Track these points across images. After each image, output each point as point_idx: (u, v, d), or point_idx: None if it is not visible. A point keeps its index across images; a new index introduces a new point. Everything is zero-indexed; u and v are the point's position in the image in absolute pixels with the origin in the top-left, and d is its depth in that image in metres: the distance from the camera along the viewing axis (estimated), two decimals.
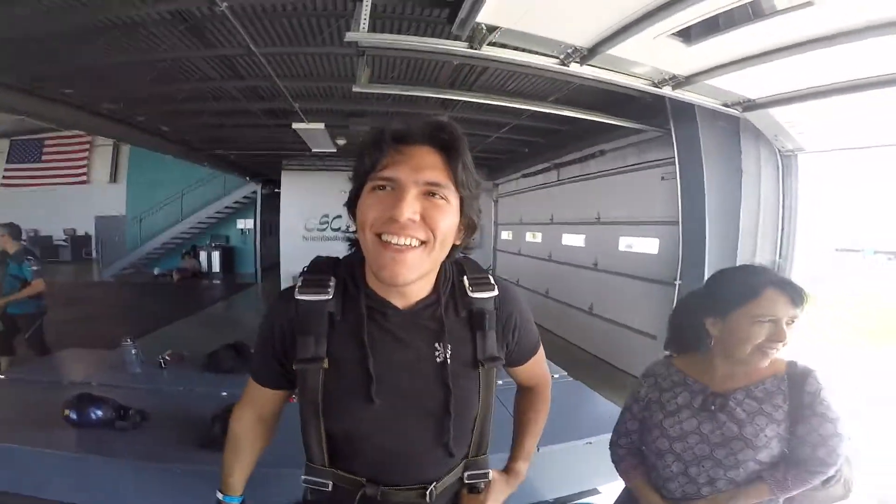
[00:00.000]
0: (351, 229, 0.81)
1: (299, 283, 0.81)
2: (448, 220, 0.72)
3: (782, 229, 3.78)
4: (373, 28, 2.68)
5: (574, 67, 2.84)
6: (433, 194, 0.71)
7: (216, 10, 2.96)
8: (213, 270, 13.18)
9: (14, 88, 4.39)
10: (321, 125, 5.70)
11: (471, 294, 0.84)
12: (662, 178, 4.74)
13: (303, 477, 0.83)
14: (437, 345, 0.80)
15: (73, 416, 1.77)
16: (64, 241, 15.75)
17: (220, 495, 0.91)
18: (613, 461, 1.25)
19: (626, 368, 4.91)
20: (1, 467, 1.65)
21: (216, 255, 13.28)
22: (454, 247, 0.79)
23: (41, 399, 2.02)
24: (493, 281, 0.87)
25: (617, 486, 1.30)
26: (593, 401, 2.36)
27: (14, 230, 3.69)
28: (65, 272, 13.03)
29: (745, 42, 2.47)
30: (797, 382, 1.01)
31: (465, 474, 0.88)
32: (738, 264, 1.18)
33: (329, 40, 3.72)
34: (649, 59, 2.82)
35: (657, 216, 4.82)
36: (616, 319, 5.48)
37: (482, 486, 0.91)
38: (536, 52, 2.76)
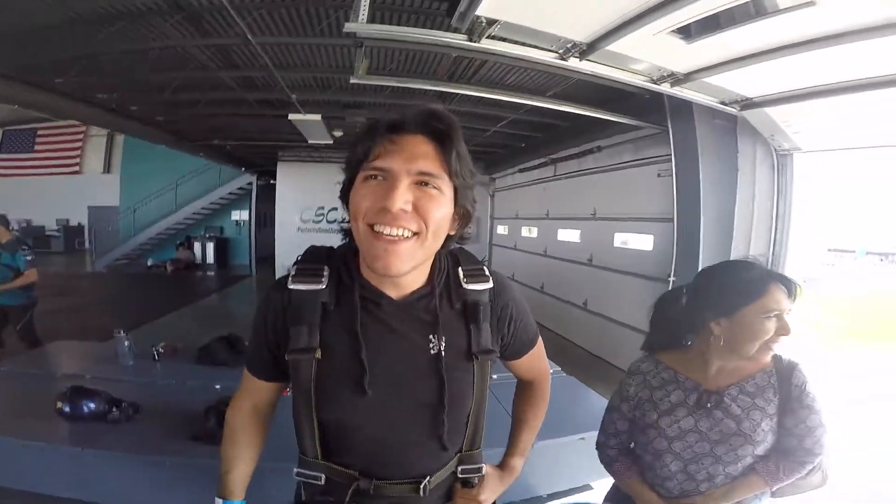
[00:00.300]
0: (346, 220, 0.80)
1: (292, 273, 0.80)
2: (441, 210, 0.71)
3: (776, 228, 3.80)
4: (372, 19, 2.65)
5: (573, 62, 2.82)
6: (426, 184, 0.70)
7: None
8: (208, 262, 13.05)
9: (5, 77, 4.33)
10: (318, 116, 5.65)
11: (465, 285, 0.83)
12: (658, 175, 4.75)
13: (295, 470, 0.83)
14: (431, 336, 0.79)
15: (66, 408, 1.76)
16: (56, 231, 15.61)
17: (219, 501, 0.86)
18: (604, 462, 1.23)
19: (620, 365, 4.92)
20: None
21: (210, 247, 13.13)
22: (449, 237, 0.78)
23: (33, 391, 2.01)
24: (487, 272, 0.86)
25: (609, 481, 1.29)
26: (587, 397, 2.37)
27: (2, 220, 3.64)
28: (57, 263, 12.90)
29: (745, 40, 2.46)
30: (785, 376, 1.04)
31: (459, 468, 0.87)
32: (727, 260, 1.18)
33: (327, 31, 3.69)
34: (648, 55, 2.81)
35: (653, 213, 4.83)
36: (610, 315, 5.50)
37: (476, 480, 0.90)
38: (535, 47, 2.75)
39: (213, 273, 12.47)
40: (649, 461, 1.13)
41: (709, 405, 1.05)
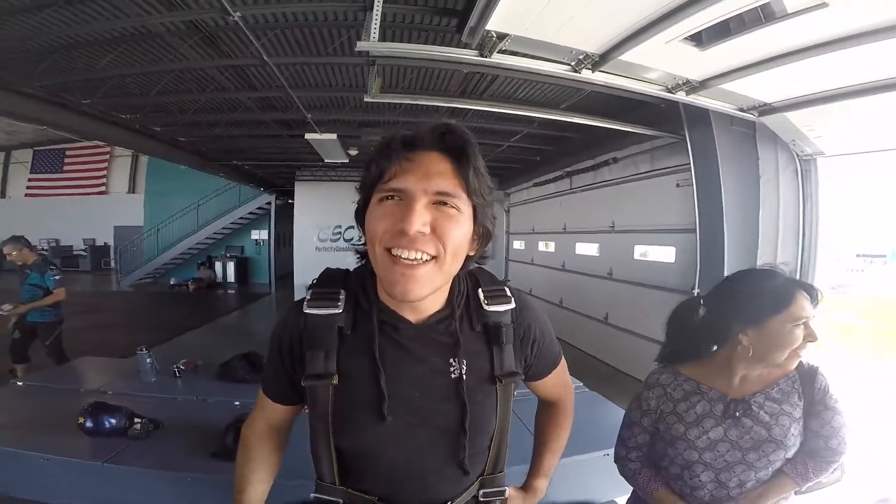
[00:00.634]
0: (361, 241, 0.78)
1: (308, 297, 0.79)
2: (460, 230, 0.69)
3: (803, 235, 3.69)
4: (383, 37, 2.71)
5: (586, 74, 2.81)
6: (444, 203, 0.68)
7: (229, 20, 3.04)
8: (228, 280, 13.38)
9: (36, 98, 4.53)
10: (333, 136, 5.77)
11: (486, 307, 0.81)
12: (677, 185, 4.68)
13: (312, 495, 0.81)
14: (451, 360, 0.77)
15: (88, 423, 1.78)
16: (84, 250, 16.22)
17: None
18: (626, 475, 1.21)
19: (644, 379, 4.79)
20: (15, 473, 1.67)
21: (231, 266, 13.49)
22: (468, 257, 0.75)
23: (57, 406, 2.04)
24: (509, 293, 0.84)
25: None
26: (611, 412, 2.30)
27: (27, 242, 3.82)
28: (84, 281, 13.34)
29: (760, 45, 2.42)
30: (808, 380, 1.06)
31: (481, 492, 0.84)
32: (748, 269, 1.18)
33: (340, 50, 3.79)
34: (662, 64, 2.79)
35: (673, 224, 4.75)
36: (633, 329, 5.39)
37: (498, 503, 0.87)
38: (547, 59, 2.75)
39: (233, 291, 12.72)
40: (677, 472, 1.12)
41: (737, 414, 1.05)
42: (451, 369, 0.77)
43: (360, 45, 2.66)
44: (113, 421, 1.81)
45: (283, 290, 11.73)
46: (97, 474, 1.62)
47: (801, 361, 1.07)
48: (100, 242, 16.29)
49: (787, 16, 2.11)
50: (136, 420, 1.84)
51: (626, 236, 5.70)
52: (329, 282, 0.81)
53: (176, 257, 13.45)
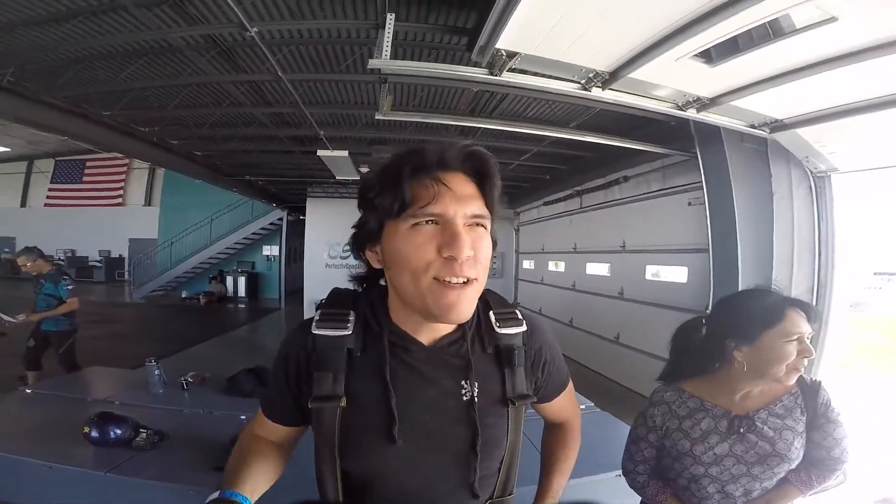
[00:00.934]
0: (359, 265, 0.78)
1: (317, 318, 0.78)
2: (489, 249, 0.71)
3: (819, 254, 3.61)
4: (394, 55, 2.76)
5: (596, 92, 2.83)
6: (476, 225, 0.69)
7: (246, 35, 3.12)
8: (239, 295, 13.49)
9: (58, 108, 4.67)
10: (345, 153, 5.86)
11: (498, 329, 0.81)
12: (689, 204, 4.65)
13: None
14: (463, 382, 0.76)
15: (93, 433, 1.77)
16: (99, 261, 16.48)
17: (216, 494, 0.72)
18: (634, 487, 1.25)
19: (649, 396, 4.68)
20: (19, 480, 1.66)
21: (242, 281, 13.61)
22: None
23: (64, 415, 2.04)
24: (520, 316, 0.84)
25: None
26: (622, 432, 2.23)
27: (41, 253, 3.92)
28: (99, 292, 13.54)
29: (770, 61, 2.42)
30: (810, 395, 1.11)
31: None
32: (744, 289, 1.24)
33: (353, 68, 3.87)
34: (672, 81, 2.79)
35: (685, 243, 4.70)
36: (645, 349, 5.29)
37: None
38: (557, 78, 2.78)
39: (243, 306, 12.81)
40: (684, 484, 1.16)
41: (741, 430, 1.09)
42: (463, 392, 0.76)
43: (372, 63, 2.71)
44: (118, 431, 1.80)
45: (292, 305, 11.78)
46: (99, 484, 1.60)
47: (802, 377, 1.10)
48: (115, 254, 16.57)
49: (795, 31, 2.11)
50: (141, 431, 1.83)
51: (637, 256, 5.65)
52: (338, 302, 0.80)
53: (188, 271, 13.63)
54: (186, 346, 6.89)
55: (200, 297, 12.75)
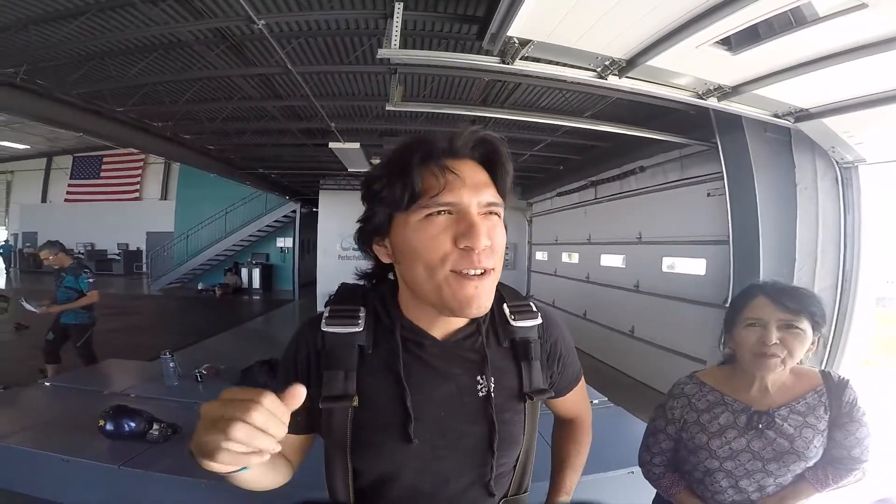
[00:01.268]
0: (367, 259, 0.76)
1: (326, 314, 0.75)
2: (504, 237, 0.68)
3: (845, 246, 3.48)
4: (404, 45, 2.71)
5: (612, 80, 2.73)
6: (491, 213, 0.67)
7: (254, 27, 3.10)
8: (254, 287, 13.66)
9: (72, 105, 4.73)
10: (356, 145, 5.84)
11: (513, 322, 0.78)
12: (708, 195, 4.53)
13: None
14: (479, 377, 0.74)
15: (108, 426, 1.81)
16: (117, 254, 16.87)
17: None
18: (650, 478, 1.26)
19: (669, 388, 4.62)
20: (34, 472, 1.69)
21: (256, 272, 13.77)
22: None
23: (81, 408, 2.08)
24: (535, 308, 0.81)
25: None
26: (636, 428, 2.19)
27: (62, 246, 3.98)
28: (117, 285, 13.83)
29: (795, 49, 2.30)
30: (836, 393, 1.07)
31: None
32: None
33: (363, 59, 3.83)
34: (692, 69, 2.69)
35: (704, 235, 4.58)
36: (660, 343, 5.21)
37: None
38: (571, 66, 2.69)
39: (258, 297, 12.96)
40: (699, 477, 1.16)
41: (760, 426, 1.08)
42: (479, 387, 0.73)
43: (381, 53, 2.67)
44: (132, 424, 1.83)
45: (306, 296, 11.89)
46: (113, 477, 1.63)
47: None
48: (133, 247, 16.92)
49: (821, 18, 2.01)
50: (155, 424, 1.86)
51: (653, 247, 5.54)
52: (347, 298, 0.77)
53: (204, 263, 13.81)
54: (202, 338, 7.01)
55: (216, 288, 12.94)
